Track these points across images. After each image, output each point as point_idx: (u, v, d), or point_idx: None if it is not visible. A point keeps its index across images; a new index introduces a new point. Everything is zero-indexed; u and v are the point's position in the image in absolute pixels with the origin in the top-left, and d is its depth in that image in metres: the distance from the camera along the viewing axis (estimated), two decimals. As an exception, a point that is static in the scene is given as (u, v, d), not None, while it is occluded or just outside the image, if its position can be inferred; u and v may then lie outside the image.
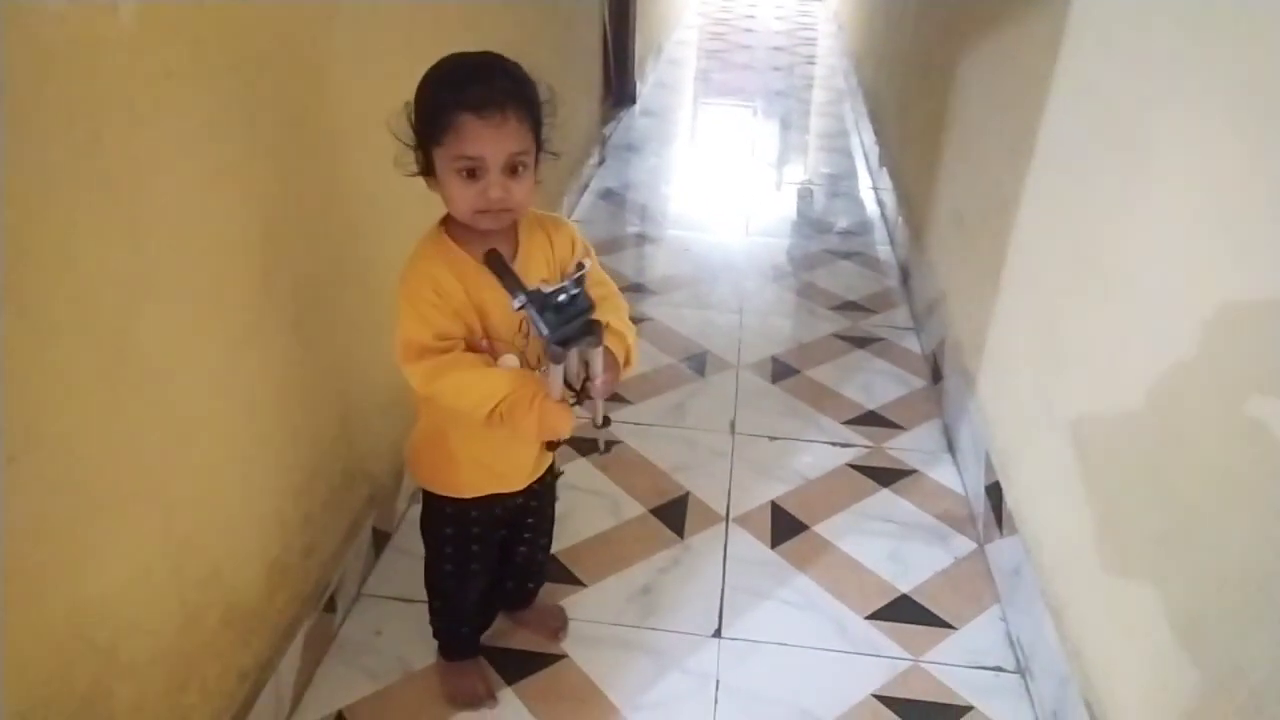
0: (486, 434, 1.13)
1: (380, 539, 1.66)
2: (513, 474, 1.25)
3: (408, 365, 1.08)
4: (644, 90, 5.06)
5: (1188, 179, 1.12)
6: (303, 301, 1.31)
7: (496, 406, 1.05)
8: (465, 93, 0.98)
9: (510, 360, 1.12)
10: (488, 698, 1.41)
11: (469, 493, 1.24)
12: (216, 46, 1.04)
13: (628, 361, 1.13)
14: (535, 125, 1.04)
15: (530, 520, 1.38)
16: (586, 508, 1.83)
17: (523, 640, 1.52)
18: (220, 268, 1.11)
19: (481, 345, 1.10)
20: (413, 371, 1.08)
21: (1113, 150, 1.35)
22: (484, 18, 2.09)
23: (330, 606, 1.48)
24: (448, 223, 1.10)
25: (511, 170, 1.01)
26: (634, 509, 1.84)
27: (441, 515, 1.28)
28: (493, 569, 1.37)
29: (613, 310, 1.14)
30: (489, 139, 0.98)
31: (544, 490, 1.36)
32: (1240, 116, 1.02)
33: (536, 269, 1.13)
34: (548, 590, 1.56)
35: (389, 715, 1.39)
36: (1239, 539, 0.95)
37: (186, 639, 1.10)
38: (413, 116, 1.03)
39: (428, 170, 1.04)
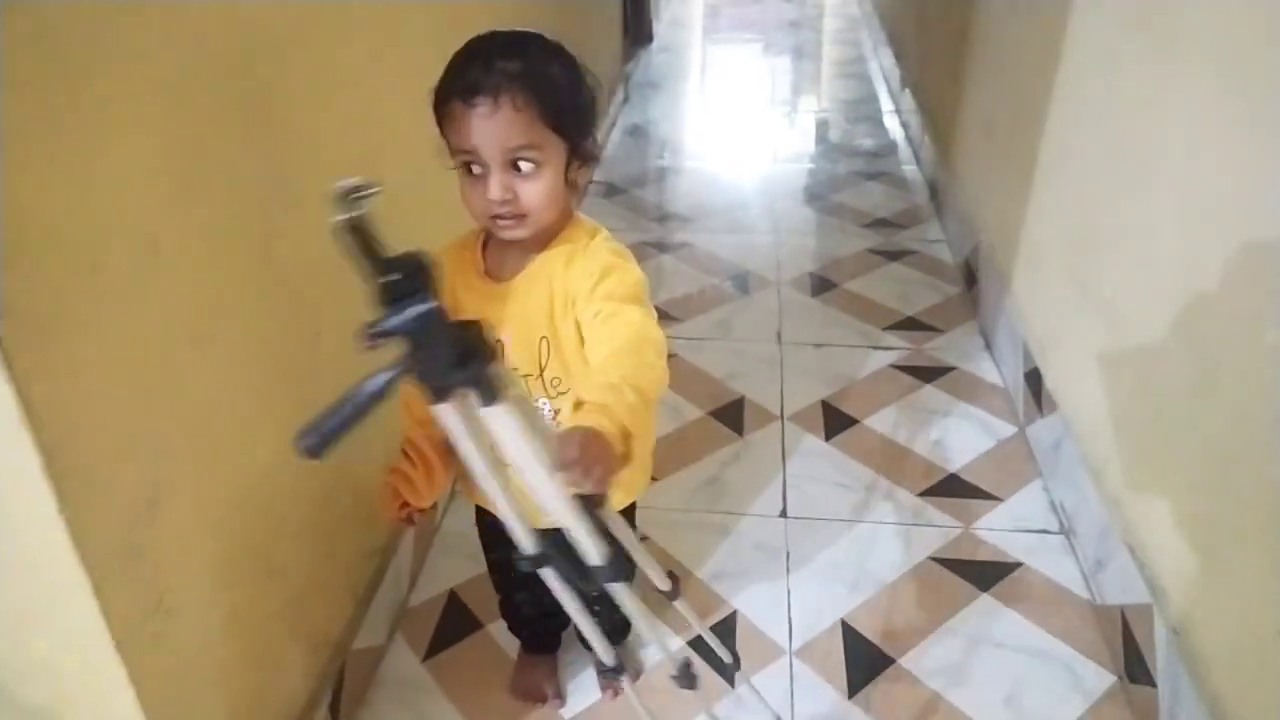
0: None
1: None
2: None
3: None
4: (659, 28, 5.10)
5: (1218, 65, 1.22)
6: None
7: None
8: (460, 76, 0.88)
9: None
10: (553, 698, 1.35)
11: (470, 495, 1.12)
12: None
13: (627, 441, 0.75)
14: (553, 117, 0.89)
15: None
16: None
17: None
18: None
19: None
20: None
21: (1142, 41, 1.44)
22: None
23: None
24: None
25: (514, 167, 0.89)
26: (694, 412, 1.97)
27: (476, 514, 1.23)
28: (540, 602, 1.16)
29: (614, 366, 0.83)
30: (478, 129, 0.87)
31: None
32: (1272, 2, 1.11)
33: (524, 300, 0.96)
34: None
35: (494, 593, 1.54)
36: (1262, 379, 1.07)
37: (328, 512, 1.25)
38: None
39: None
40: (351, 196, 0.59)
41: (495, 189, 0.88)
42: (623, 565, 0.80)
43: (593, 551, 0.78)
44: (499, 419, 0.70)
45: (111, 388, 0.80)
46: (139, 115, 0.82)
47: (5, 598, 0.82)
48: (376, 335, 0.64)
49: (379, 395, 0.65)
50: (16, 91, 0.68)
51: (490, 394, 0.68)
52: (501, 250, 0.98)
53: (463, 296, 0.99)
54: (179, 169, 0.89)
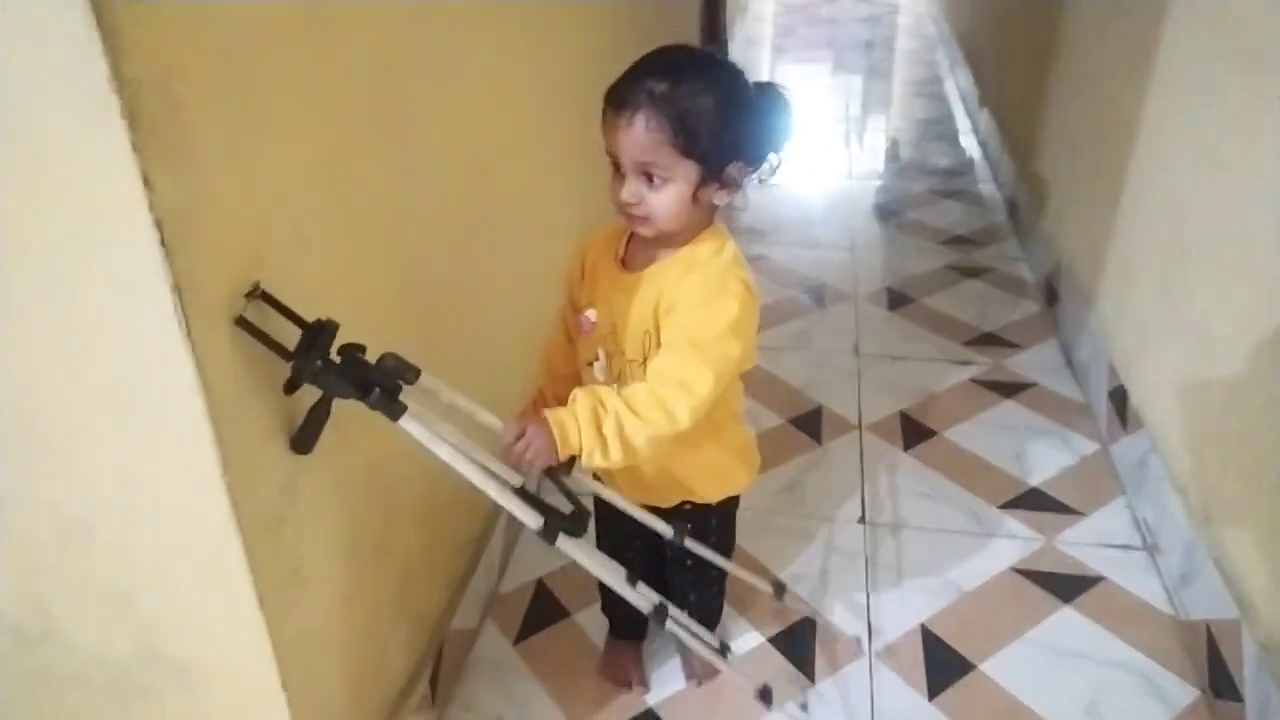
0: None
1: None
2: (616, 474, 1.15)
3: None
4: (734, 48, 5.16)
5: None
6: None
7: None
8: (616, 84, 0.96)
9: (601, 354, 1.11)
10: (637, 685, 1.40)
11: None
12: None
13: (596, 443, 0.95)
14: (685, 144, 0.94)
15: (668, 554, 1.25)
16: (729, 419, 2.00)
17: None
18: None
19: (583, 324, 1.11)
20: None
21: (1235, 62, 1.45)
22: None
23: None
24: None
25: (647, 176, 0.97)
26: (772, 420, 2.01)
27: (594, 500, 1.21)
28: (632, 564, 1.20)
29: (633, 394, 0.97)
30: (615, 138, 0.96)
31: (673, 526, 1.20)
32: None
33: (641, 295, 1.03)
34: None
35: (579, 583, 1.59)
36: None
37: (435, 500, 1.32)
38: None
39: None
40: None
41: (625, 192, 0.98)
42: (565, 520, 0.99)
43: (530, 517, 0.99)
44: (409, 428, 0.90)
45: (268, 372, 0.88)
46: (302, 129, 0.90)
47: (160, 556, 0.90)
48: (289, 381, 0.86)
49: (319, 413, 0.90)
50: (210, 109, 0.76)
51: (390, 414, 0.89)
52: (639, 245, 1.07)
53: (600, 279, 1.09)
54: (329, 172, 0.97)
